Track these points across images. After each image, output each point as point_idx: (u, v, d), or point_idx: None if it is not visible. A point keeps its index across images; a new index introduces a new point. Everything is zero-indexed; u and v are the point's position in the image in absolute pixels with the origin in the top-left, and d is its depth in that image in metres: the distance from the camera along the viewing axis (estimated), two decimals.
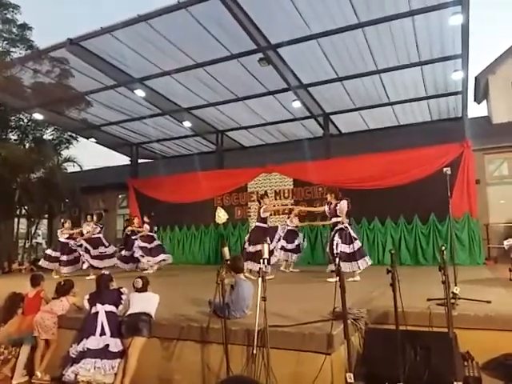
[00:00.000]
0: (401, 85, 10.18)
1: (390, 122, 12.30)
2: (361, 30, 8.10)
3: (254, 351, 3.94)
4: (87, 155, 18.90)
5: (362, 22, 7.89)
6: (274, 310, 4.47)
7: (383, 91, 10.45)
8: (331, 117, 12.03)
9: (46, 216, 17.07)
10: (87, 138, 14.43)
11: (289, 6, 7.50)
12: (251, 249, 8.19)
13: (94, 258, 9.91)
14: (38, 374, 5.05)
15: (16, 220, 15.86)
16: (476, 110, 41.40)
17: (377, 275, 6.57)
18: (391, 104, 11.16)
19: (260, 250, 7.53)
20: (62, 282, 5.75)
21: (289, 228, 9.73)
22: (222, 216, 10.03)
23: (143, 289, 4.97)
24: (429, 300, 4.90)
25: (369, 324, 4.70)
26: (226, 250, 4.89)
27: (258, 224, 8.68)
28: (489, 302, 4.83)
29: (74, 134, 15.71)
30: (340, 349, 4.01)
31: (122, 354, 4.57)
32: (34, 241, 17.64)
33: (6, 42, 14.29)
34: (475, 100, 15.13)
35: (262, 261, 4.31)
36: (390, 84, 10.12)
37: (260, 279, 4.00)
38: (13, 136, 15.70)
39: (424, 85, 10.13)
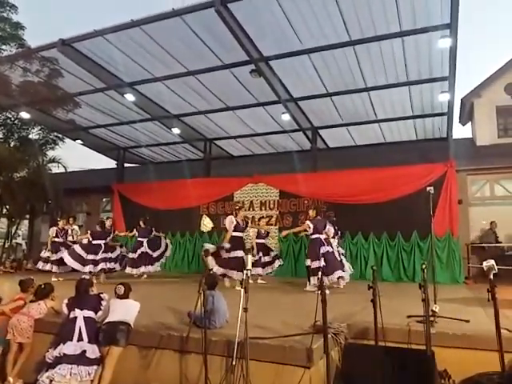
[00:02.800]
0: (388, 103, 10.33)
1: (376, 139, 12.46)
2: (352, 47, 8.25)
3: (234, 362, 3.94)
4: (73, 157, 18.68)
5: (353, 40, 8.04)
6: (255, 321, 4.46)
7: (371, 108, 10.60)
8: (319, 131, 12.14)
9: (28, 216, 16.78)
10: (74, 140, 14.25)
11: (282, 20, 7.61)
12: None
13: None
14: (11, 379, 4.92)
15: None
16: (460, 132, 42.43)
17: (358, 290, 6.62)
18: (378, 121, 11.31)
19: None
20: (43, 285, 5.65)
21: (259, 242, 10.05)
22: (207, 224, 9.94)
23: (125, 296, 4.92)
24: (408, 317, 4.95)
25: (348, 339, 4.72)
26: (209, 259, 4.90)
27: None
28: (467, 321, 4.90)
29: (60, 135, 15.50)
30: (319, 363, 4.02)
31: (99, 361, 4.49)
32: (13, 241, 17.28)
33: None
34: (460, 122, 15.39)
35: (245, 271, 4.32)
36: (377, 102, 10.26)
37: (242, 290, 4.00)
38: None
39: (411, 104, 10.31)
